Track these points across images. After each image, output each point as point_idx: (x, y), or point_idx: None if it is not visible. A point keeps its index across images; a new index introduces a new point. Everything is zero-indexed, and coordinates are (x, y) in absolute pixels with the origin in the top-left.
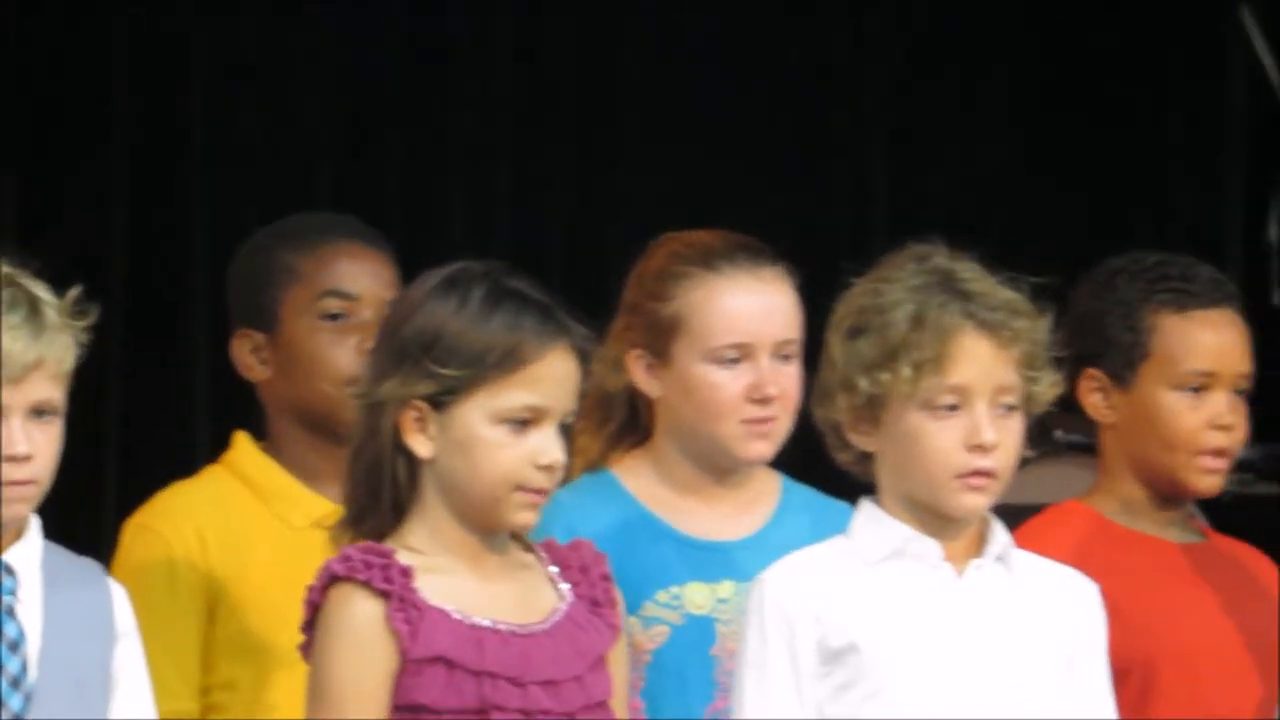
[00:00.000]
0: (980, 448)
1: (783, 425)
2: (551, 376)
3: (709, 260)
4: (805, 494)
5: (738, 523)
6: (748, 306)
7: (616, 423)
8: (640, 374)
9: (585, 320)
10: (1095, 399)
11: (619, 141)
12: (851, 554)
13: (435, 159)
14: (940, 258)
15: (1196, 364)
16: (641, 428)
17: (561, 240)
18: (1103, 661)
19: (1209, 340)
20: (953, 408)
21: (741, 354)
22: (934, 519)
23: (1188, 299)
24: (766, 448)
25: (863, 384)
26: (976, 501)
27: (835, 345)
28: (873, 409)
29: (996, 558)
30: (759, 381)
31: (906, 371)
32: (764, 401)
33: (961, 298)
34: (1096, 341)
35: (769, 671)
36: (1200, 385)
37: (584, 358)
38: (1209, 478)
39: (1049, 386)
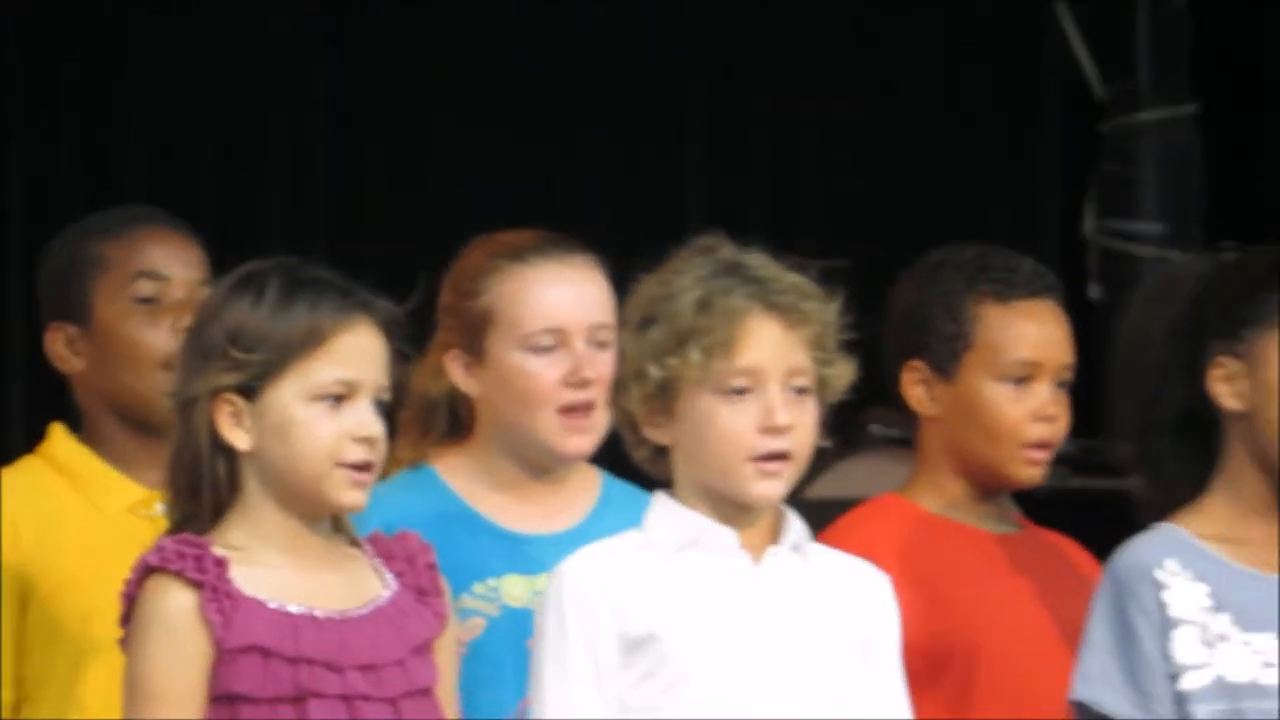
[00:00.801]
0: (774, 429)
1: (600, 417)
2: (358, 350)
3: (518, 254)
4: (625, 489)
5: (556, 517)
6: (559, 293)
7: (438, 431)
8: (459, 374)
9: (404, 318)
10: (918, 391)
11: (430, 143)
12: (649, 545)
13: (254, 157)
14: (727, 249)
15: (1020, 354)
16: (464, 435)
17: (379, 241)
18: (895, 650)
19: (1032, 331)
20: (744, 390)
21: (556, 341)
22: (730, 508)
23: (1010, 290)
24: (585, 443)
25: (654, 372)
26: (772, 488)
27: (627, 339)
28: (665, 398)
29: (792, 547)
30: (575, 366)
31: (696, 356)
32: (581, 385)
33: (749, 282)
34: (919, 333)
35: (569, 663)
36: (1023, 376)
37: (389, 333)
38: (1031, 469)
39: (842, 371)
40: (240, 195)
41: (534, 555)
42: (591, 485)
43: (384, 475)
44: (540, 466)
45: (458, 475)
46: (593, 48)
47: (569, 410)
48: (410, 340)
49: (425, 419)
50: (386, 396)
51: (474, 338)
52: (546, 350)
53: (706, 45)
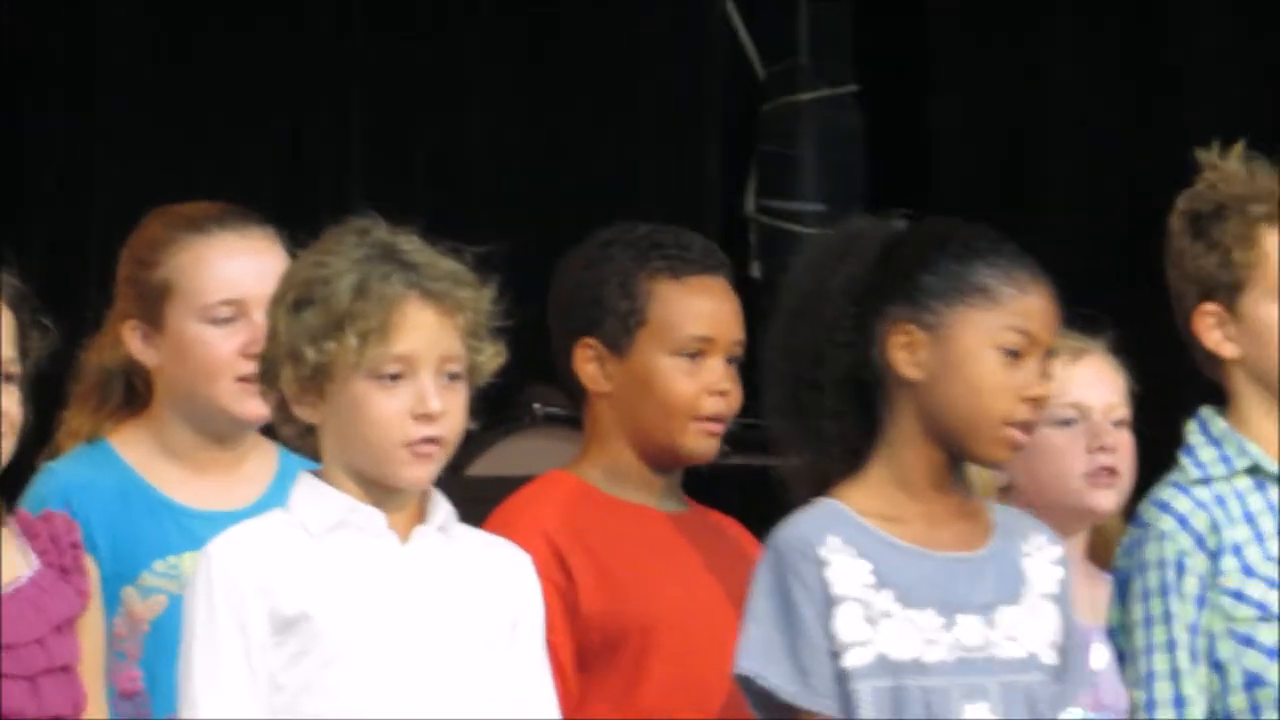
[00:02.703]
0: (427, 416)
1: None
2: None
3: (197, 225)
4: (303, 464)
5: (234, 493)
6: (238, 265)
7: (114, 404)
8: (136, 344)
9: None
10: (591, 368)
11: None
12: (297, 525)
13: None
14: (381, 231)
15: (693, 330)
16: (142, 407)
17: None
18: (539, 629)
19: (705, 306)
20: (397, 376)
21: (234, 312)
22: (379, 490)
23: (683, 266)
24: (263, 406)
25: (310, 354)
26: (423, 472)
27: (280, 319)
28: (318, 380)
29: (439, 527)
30: (253, 337)
31: (352, 341)
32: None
33: (405, 268)
34: (591, 311)
35: (218, 643)
36: (697, 351)
37: (17, 307)
38: (705, 443)
39: (492, 356)
40: None
41: (215, 531)
42: (269, 460)
43: (61, 448)
44: (218, 437)
45: (134, 449)
46: (260, 26)
47: (246, 379)
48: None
49: (101, 391)
50: (15, 369)
51: (152, 308)
52: (225, 321)
53: (371, 25)
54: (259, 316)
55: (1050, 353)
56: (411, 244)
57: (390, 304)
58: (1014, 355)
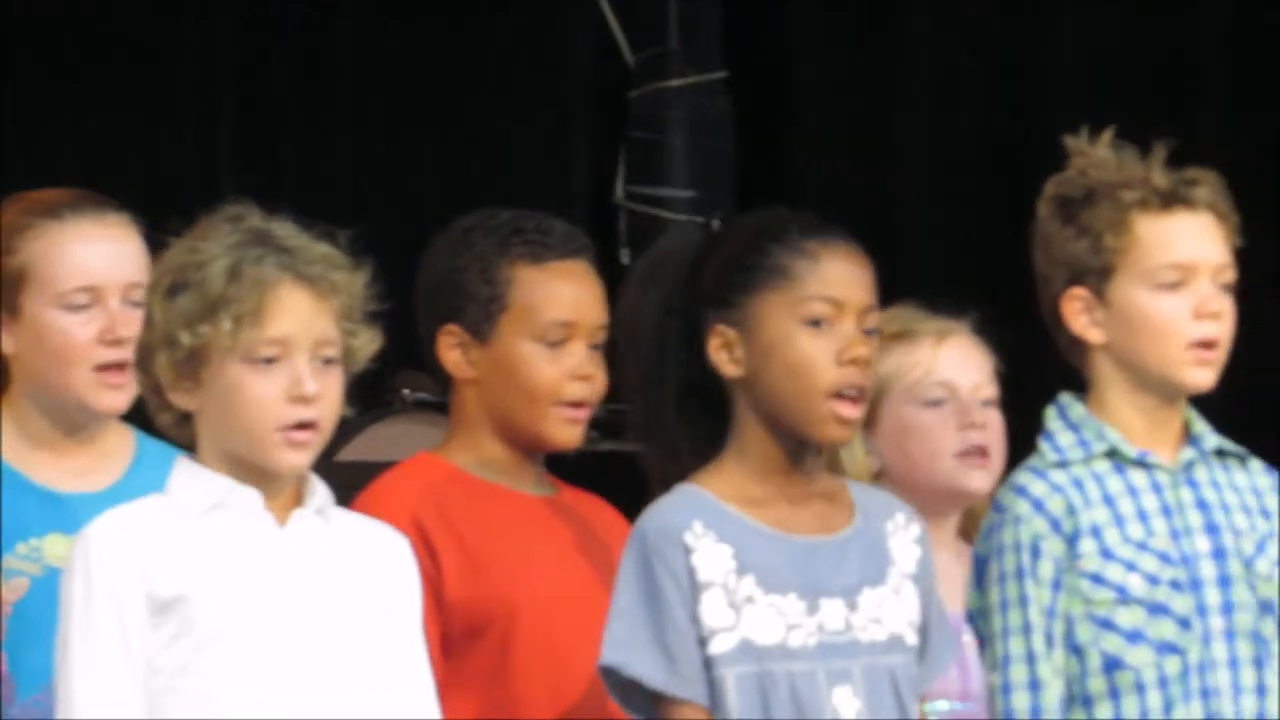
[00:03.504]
0: (302, 399)
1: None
2: None
3: (53, 211)
4: (159, 447)
5: (94, 475)
6: (94, 251)
7: None
8: None
9: None
10: (454, 355)
11: None
12: (174, 508)
13: None
14: (255, 217)
15: (555, 314)
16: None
17: None
18: (416, 612)
19: (566, 291)
20: (272, 360)
21: (90, 299)
22: (255, 476)
23: (544, 251)
24: (120, 399)
25: (184, 339)
26: (298, 457)
27: (155, 305)
28: (194, 365)
29: (316, 510)
30: (110, 324)
31: (227, 324)
32: (116, 343)
33: (278, 252)
34: (454, 297)
35: (94, 629)
36: (559, 337)
37: None
38: (570, 428)
39: (367, 341)
40: None
41: (75, 514)
42: (126, 443)
43: None
44: (75, 424)
45: None
46: (131, 11)
47: (104, 368)
48: None
49: None
50: None
51: (8, 295)
52: (81, 308)
53: (238, 13)
54: (115, 303)
55: (867, 310)
56: (286, 229)
57: (264, 287)
58: (821, 324)
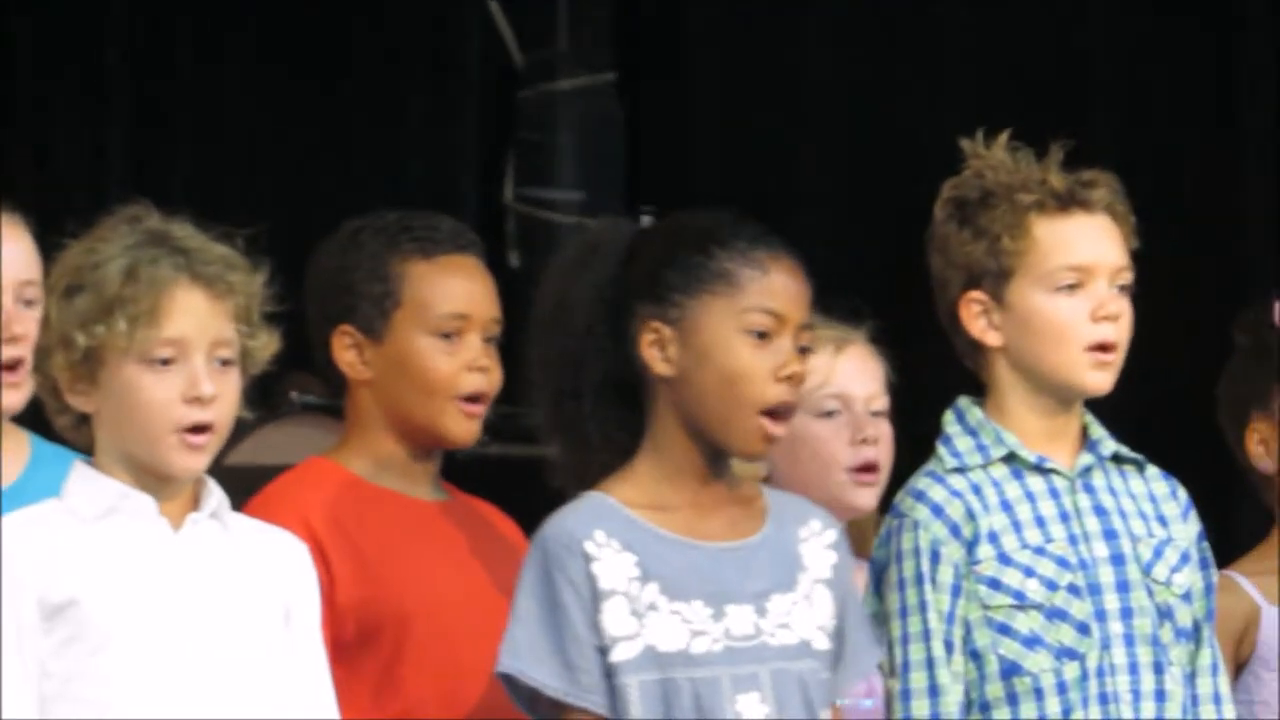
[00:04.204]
0: (198, 401)
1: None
2: None
3: None
4: (54, 449)
5: None
6: None
7: None
8: None
9: None
10: (349, 355)
11: None
12: (69, 512)
13: None
14: (152, 219)
15: (448, 307)
16: None
17: None
18: (315, 616)
19: (458, 284)
20: (169, 361)
21: None
22: (152, 478)
23: (433, 246)
24: (16, 398)
25: (80, 339)
26: (195, 460)
27: (52, 306)
28: (90, 366)
29: (212, 514)
30: (4, 322)
31: (122, 325)
32: (10, 341)
33: (175, 252)
34: (345, 298)
35: None
36: (453, 330)
37: None
38: (468, 422)
39: (265, 343)
40: None
41: None
42: (21, 445)
43: None
44: None
45: None
46: (22, 7)
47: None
48: None
49: None
50: None
51: None
52: None
53: (127, 10)
54: (8, 302)
55: (805, 327)
56: (183, 230)
57: (160, 287)
58: (762, 337)
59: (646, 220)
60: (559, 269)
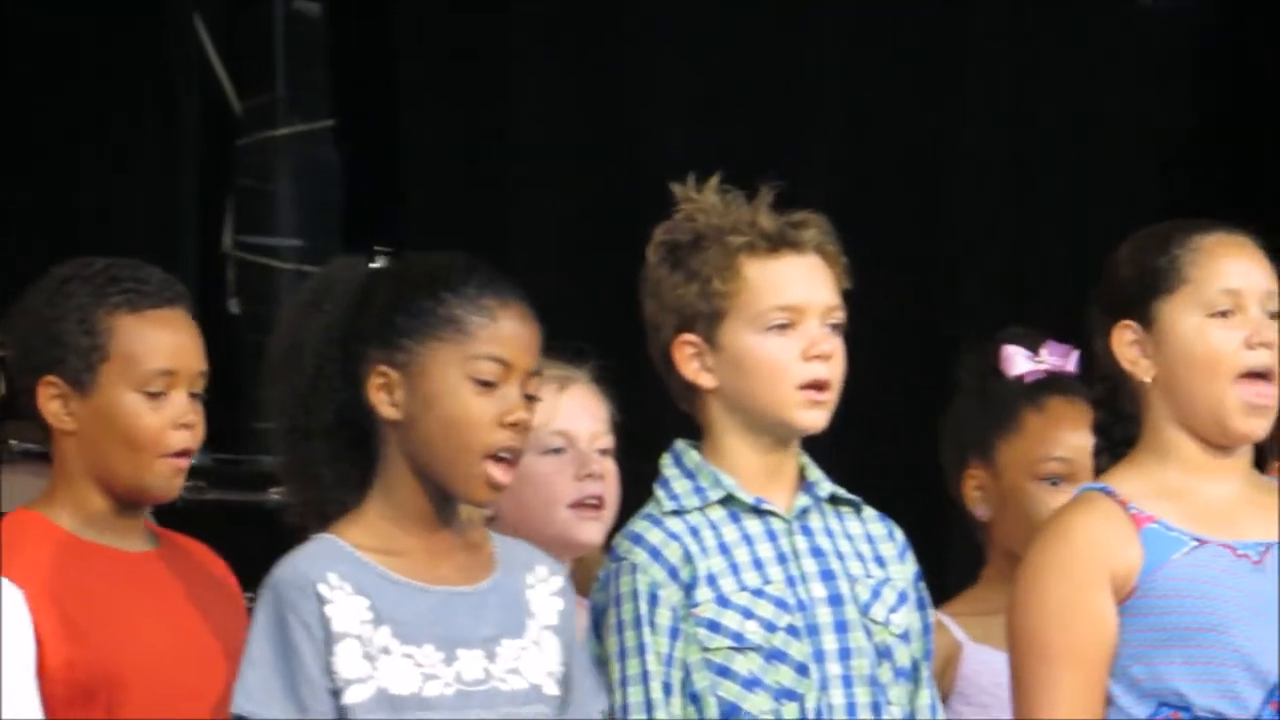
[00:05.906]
0: None
1: None
2: None
3: None
4: None
5: None
6: None
7: None
8: None
9: None
10: (54, 406)
11: None
12: None
13: None
14: None
15: (155, 363)
16: None
17: None
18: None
19: (166, 339)
20: None
21: None
22: None
23: (141, 299)
24: None
25: None
26: None
27: None
28: None
29: None
30: None
31: None
32: None
33: None
34: (52, 349)
35: None
36: (161, 387)
37: None
38: (174, 479)
39: None
40: None
41: None
42: None
43: None
44: None
45: None
46: None
47: None
48: None
49: None
50: None
51: None
52: None
53: None
54: None
55: (533, 374)
56: None
57: None
58: (488, 385)
59: (380, 261)
60: (292, 308)
